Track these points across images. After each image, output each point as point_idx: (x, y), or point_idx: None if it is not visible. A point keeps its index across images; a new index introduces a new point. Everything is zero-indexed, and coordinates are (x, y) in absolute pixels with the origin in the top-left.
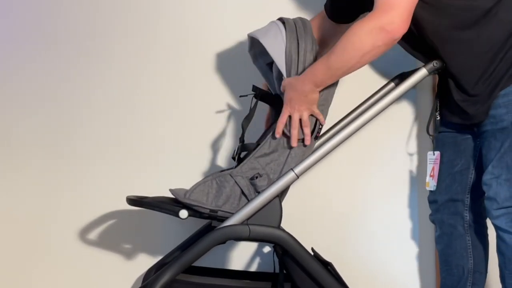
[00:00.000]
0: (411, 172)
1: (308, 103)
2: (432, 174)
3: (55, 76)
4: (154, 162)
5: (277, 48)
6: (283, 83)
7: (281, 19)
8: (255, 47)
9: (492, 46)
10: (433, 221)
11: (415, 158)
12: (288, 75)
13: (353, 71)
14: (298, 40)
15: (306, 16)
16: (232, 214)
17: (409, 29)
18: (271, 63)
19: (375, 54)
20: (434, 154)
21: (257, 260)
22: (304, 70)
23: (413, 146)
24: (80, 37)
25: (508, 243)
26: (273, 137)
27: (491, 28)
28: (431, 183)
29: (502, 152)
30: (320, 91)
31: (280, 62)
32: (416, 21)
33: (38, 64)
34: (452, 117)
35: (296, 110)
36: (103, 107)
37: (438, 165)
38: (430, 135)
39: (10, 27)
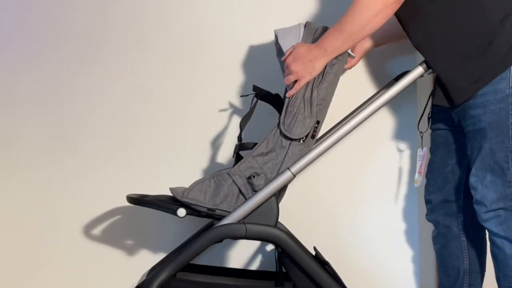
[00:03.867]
0: (411, 171)
1: (312, 68)
2: (420, 170)
3: (57, 76)
4: (157, 160)
5: (290, 46)
6: (286, 63)
7: (306, 23)
8: (279, 43)
9: (466, 30)
10: (429, 221)
11: (416, 156)
12: None
13: (365, 35)
14: (312, 42)
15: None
16: (229, 212)
17: None
18: None
19: (387, 13)
20: (422, 151)
21: (259, 258)
22: None
23: (414, 145)
24: (82, 38)
25: (500, 246)
26: (273, 133)
27: (465, 9)
28: (419, 180)
29: (483, 155)
30: (318, 85)
31: None
32: None
33: (40, 65)
34: (434, 99)
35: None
36: (104, 107)
37: (425, 161)
38: (420, 131)
39: (12, 28)
